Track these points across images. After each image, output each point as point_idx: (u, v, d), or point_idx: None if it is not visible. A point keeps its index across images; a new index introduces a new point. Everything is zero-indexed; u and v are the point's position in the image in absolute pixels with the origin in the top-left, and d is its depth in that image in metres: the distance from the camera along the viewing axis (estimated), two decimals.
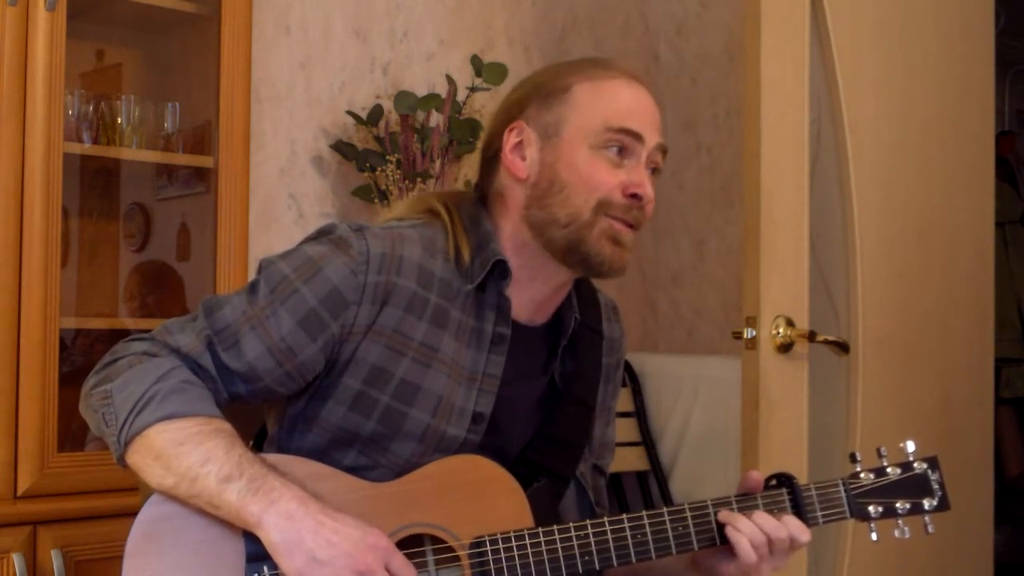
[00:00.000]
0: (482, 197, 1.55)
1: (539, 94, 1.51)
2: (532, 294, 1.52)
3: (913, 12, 2.78)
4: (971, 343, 2.92)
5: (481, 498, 1.43)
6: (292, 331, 1.41)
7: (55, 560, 2.15)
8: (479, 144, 1.59)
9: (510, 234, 1.50)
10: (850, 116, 2.60)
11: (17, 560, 2.12)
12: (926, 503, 1.57)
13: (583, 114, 1.48)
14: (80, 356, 2.43)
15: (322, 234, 1.48)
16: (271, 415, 1.54)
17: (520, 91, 1.54)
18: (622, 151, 1.47)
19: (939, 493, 1.57)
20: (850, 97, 2.60)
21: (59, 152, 2.25)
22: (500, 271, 1.48)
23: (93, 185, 2.61)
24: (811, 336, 2.42)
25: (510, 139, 1.50)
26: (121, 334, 2.52)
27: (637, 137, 1.47)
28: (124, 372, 1.39)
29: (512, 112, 1.53)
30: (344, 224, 1.47)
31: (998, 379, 3.98)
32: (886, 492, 1.56)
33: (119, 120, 2.49)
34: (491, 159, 1.54)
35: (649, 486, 3.16)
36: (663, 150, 1.51)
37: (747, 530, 1.45)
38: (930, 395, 2.79)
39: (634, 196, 1.46)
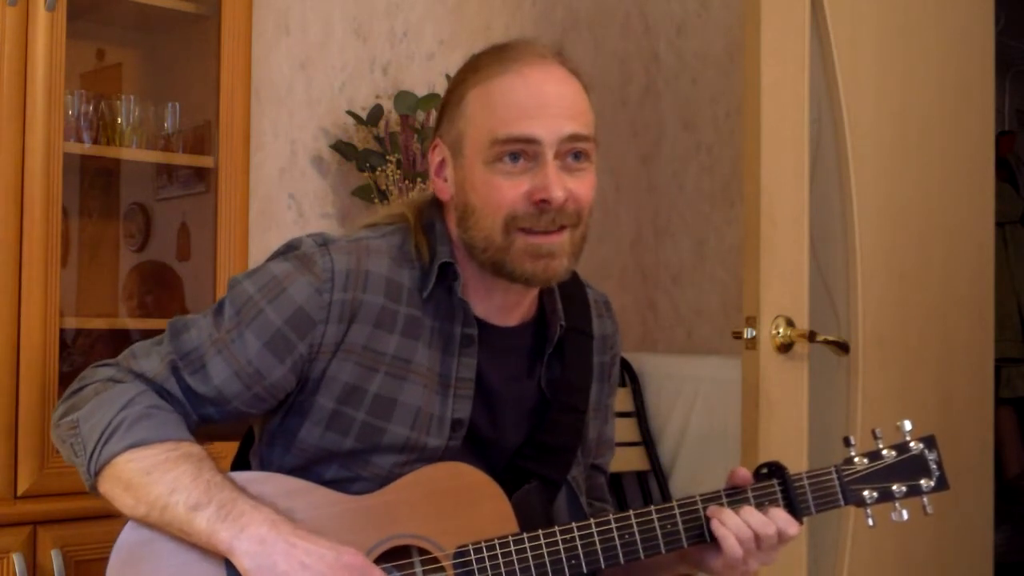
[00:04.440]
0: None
1: (447, 106, 1.44)
2: (496, 302, 1.47)
3: (913, 12, 2.77)
4: (971, 343, 2.92)
5: (464, 506, 1.40)
6: (259, 354, 1.38)
7: (55, 560, 2.15)
8: None
9: (458, 246, 1.46)
10: (850, 116, 2.60)
11: (17, 560, 2.12)
12: (924, 483, 1.51)
13: (476, 127, 1.39)
14: (80, 356, 2.42)
15: (289, 249, 1.45)
16: (256, 426, 1.52)
17: (442, 100, 1.48)
18: (518, 158, 1.37)
19: (937, 473, 1.51)
20: (850, 97, 2.60)
21: (59, 152, 2.25)
22: (451, 273, 1.44)
23: (93, 185, 2.60)
24: (811, 336, 2.42)
25: (434, 159, 1.45)
26: (121, 334, 2.52)
27: (531, 142, 1.37)
28: (90, 400, 1.36)
29: (436, 128, 1.47)
30: (310, 239, 1.43)
31: (998, 379, 3.98)
32: (882, 476, 1.50)
33: (119, 120, 2.48)
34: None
35: (649, 486, 3.16)
36: (576, 139, 1.38)
37: (733, 525, 1.41)
38: (930, 395, 2.78)
39: (543, 201, 1.36)
